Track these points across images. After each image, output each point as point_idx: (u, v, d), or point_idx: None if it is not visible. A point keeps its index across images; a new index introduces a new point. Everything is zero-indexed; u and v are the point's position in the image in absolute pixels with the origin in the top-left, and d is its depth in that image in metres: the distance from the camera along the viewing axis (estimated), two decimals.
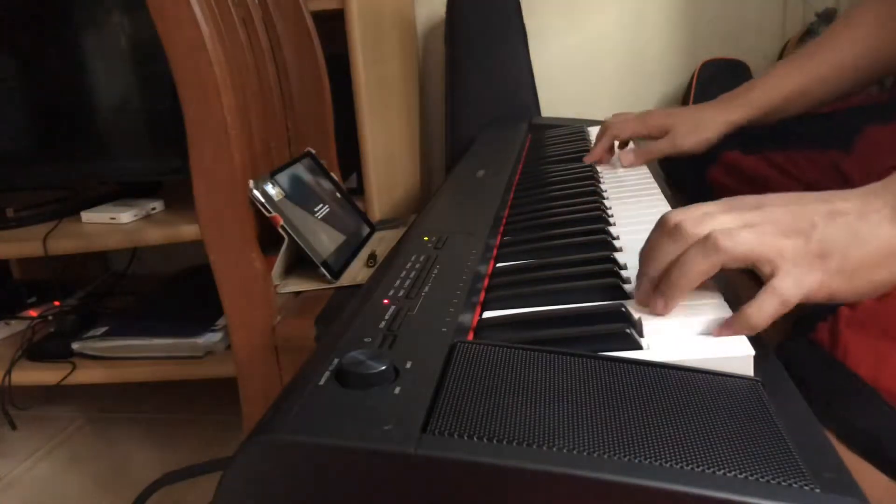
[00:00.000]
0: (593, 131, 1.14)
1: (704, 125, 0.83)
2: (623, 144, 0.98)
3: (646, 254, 0.47)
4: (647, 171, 0.88)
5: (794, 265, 0.42)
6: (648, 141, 0.90)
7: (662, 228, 0.46)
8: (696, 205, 0.46)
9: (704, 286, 0.46)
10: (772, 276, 0.42)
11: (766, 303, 0.41)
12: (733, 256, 0.42)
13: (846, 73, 0.79)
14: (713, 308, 0.46)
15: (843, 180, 0.76)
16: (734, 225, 0.43)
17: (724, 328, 0.42)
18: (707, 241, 0.43)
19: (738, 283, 0.49)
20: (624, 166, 0.90)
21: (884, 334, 0.46)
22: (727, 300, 0.47)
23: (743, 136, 0.84)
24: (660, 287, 0.45)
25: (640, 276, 0.47)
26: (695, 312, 0.45)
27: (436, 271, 0.53)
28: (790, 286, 0.41)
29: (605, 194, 0.78)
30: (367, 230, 1.04)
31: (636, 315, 0.46)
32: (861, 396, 0.45)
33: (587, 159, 0.93)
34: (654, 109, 0.92)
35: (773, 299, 0.41)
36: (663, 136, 0.86)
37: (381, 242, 1.01)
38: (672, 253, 0.45)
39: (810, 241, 0.42)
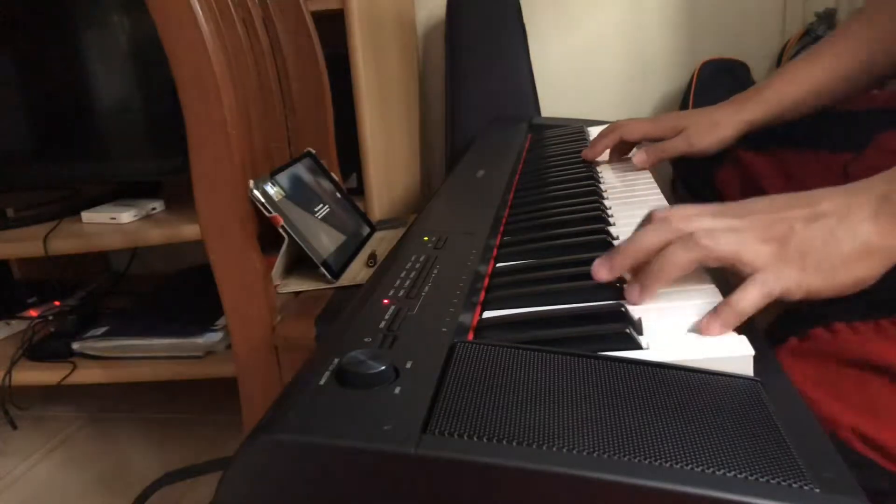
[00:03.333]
0: (593, 131, 1.14)
1: (720, 124, 0.81)
2: (629, 147, 0.95)
3: (630, 240, 0.49)
4: (648, 171, 0.88)
5: (772, 267, 0.44)
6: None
7: (650, 221, 0.49)
8: (685, 205, 0.49)
9: (701, 281, 0.47)
10: (750, 274, 0.44)
11: (750, 292, 0.43)
12: (713, 255, 0.45)
13: (863, 71, 0.77)
14: (711, 308, 0.46)
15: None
16: (718, 227, 0.46)
17: (712, 318, 0.43)
18: (690, 238, 0.45)
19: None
20: (637, 166, 0.87)
21: (824, 365, 0.46)
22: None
23: (756, 136, 0.83)
24: (638, 276, 0.47)
25: (610, 254, 0.49)
26: (696, 312, 0.45)
27: (436, 271, 0.53)
28: (769, 280, 0.44)
29: (605, 194, 0.78)
30: (367, 230, 1.04)
31: (636, 315, 0.46)
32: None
33: (586, 154, 0.91)
34: (667, 114, 0.90)
35: (755, 289, 0.43)
36: (675, 136, 0.84)
37: (381, 242, 1.01)
38: (655, 243, 0.47)
39: (787, 246, 0.44)
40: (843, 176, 0.75)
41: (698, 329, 0.43)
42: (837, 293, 0.44)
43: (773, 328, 0.52)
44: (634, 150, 0.93)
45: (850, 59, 0.77)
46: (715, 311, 0.43)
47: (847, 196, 0.45)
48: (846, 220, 0.44)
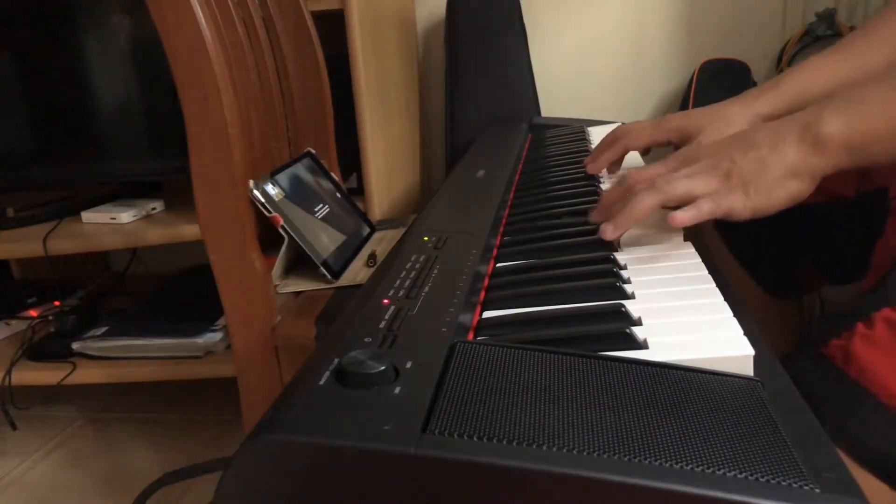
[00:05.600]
0: (593, 131, 1.14)
1: (731, 120, 0.76)
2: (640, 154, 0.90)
3: (601, 197, 0.61)
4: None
5: (720, 192, 0.53)
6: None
7: (621, 179, 0.59)
8: (650, 165, 0.60)
9: (702, 281, 0.47)
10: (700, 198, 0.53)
11: (703, 205, 0.53)
12: (672, 196, 0.54)
13: (885, 70, 0.73)
14: (711, 308, 0.46)
15: (861, 174, 0.75)
16: (675, 175, 0.55)
17: (672, 216, 0.52)
18: (652, 185, 0.55)
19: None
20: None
21: None
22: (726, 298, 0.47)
23: None
24: (611, 215, 0.57)
25: (592, 212, 0.62)
26: (696, 311, 0.45)
27: (436, 271, 0.53)
28: (717, 199, 0.53)
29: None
30: (367, 230, 1.04)
31: (636, 314, 0.46)
32: (875, 415, 0.47)
33: (590, 169, 0.83)
34: (671, 114, 0.82)
35: (706, 204, 0.53)
36: (682, 139, 0.78)
37: (381, 242, 1.01)
38: (622, 193, 0.58)
39: (731, 177, 0.53)
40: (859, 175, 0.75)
41: (669, 220, 0.53)
42: (777, 209, 0.53)
43: (817, 331, 0.55)
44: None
45: (876, 56, 0.74)
46: (682, 210, 0.53)
47: (776, 128, 0.54)
48: (774, 148, 0.53)
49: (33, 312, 1.26)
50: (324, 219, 0.93)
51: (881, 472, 0.46)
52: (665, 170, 0.58)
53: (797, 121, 0.54)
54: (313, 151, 1.02)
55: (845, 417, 0.47)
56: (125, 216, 1.11)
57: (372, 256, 0.94)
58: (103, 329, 1.13)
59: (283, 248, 0.85)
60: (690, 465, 0.30)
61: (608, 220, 0.57)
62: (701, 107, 0.80)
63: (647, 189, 0.55)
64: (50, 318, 1.22)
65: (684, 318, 0.45)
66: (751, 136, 0.55)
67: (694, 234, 0.58)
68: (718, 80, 1.42)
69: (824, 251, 0.83)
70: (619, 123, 1.20)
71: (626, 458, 0.30)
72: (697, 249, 0.56)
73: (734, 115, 0.77)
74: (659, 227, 0.62)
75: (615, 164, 0.84)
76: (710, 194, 0.53)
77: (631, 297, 0.49)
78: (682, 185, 0.54)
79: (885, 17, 0.76)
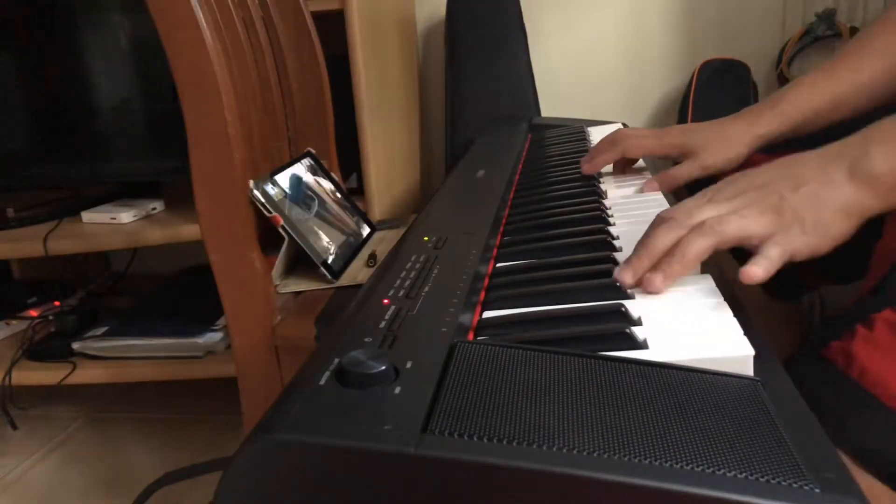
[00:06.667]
0: (593, 131, 1.14)
1: (733, 141, 0.75)
2: (631, 162, 0.89)
3: (644, 241, 0.52)
4: (648, 170, 0.88)
5: (779, 232, 0.50)
6: (672, 165, 0.80)
7: (659, 223, 0.52)
8: (682, 202, 0.54)
9: (703, 281, 0.48)
10: (759, 243, 0.49)
11: (772, 250, 0.49)
12: (726, 238, 0.50)
13: (883, 82, 0.73)
14: (711, 307, 0.46)
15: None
16: (722, 213, 0.51)
17: (748, 269, 0.48)
18: (703, 227, 0.50)
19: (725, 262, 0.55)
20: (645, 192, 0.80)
21: None
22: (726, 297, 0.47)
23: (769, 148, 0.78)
24: (660, 265, 0.50)
25: (630, 259, 0.52)
26: (696, 311, 0.45)
27: (436, 271, 0.53)
28: (781, 242, 0.49)
29: (604, 194, 0.78)
30: (367, 230, 1.04)
31: (636, 314, 0.46)
32: (877, 417, 0.47)
33: (585, 169, 0.84)
34: (671, 127, 0.81)
35: (774, 249, 0.49)
36: (681, 155, 0.78)
37: (381, 242, 1.01)
38: (670, 240, 0.51)
39: (783, 213, 0.50)
40: None
41: (743, 277, 0.48)
42: (829, 247, 0.50)
43: (818, 333, 0.54)
44: (640, 160, 0.89)
45: (871, 71, 0.73)
46: (753, 262, 0.48)
47: (821, 162, 0.52)
48: (827, 185, 0.51)
49: (33, 312, 1.26)
50: (324, 219, 0.93)
51: (884, 475, 0.46)
52: (703, 204, 0.53)
53: (842, 156, 0.52)
54: (313, 151, 1.02)
55: (847, 420, 0.47)
56: (125, 216, 1.11)
57: (372, 256, 0.94)
58: (103, 329, 1.13)
59: (283, 248, 0.85)
60: (690, 465, 0.30)
61: (657, 269, 0.51)
62: (700, 115, 0.80)
63: (698, 232, 0.50)
64: (50, 318, 1.22)
65: (684, 318, 0.45)
66: (795, 169, 0.52)
67: None
68: (718, 80, 1.43)
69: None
70: (619, 124, 1.21)
71: (626, 458, 0.30)
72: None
73: (735, 135, 0.76)
74: None
75: (615, 167, 0.86)
76: (768, 236, 0.50)
77: (631, 297, 0.49)
78: (734, 225, 0.50)
79: (878, 30, 0.75)
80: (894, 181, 0.50)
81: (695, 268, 0.50)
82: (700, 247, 0.50)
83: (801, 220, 0.50)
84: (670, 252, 0.50)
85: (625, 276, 0.51)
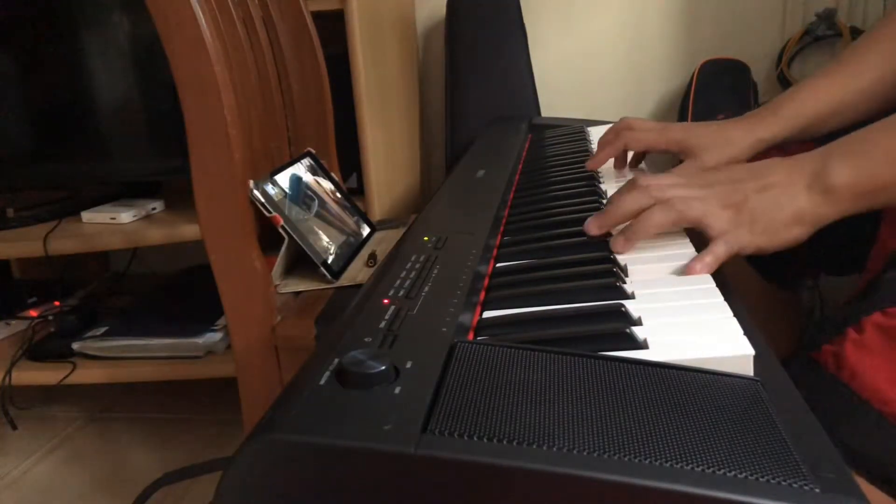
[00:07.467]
0: (593, 131, 1.14)
1: (734, 143, 0.75)
2: (638, 156, 0.89)
3: (616, 198, 0.59)
4: (647, 169, 0.88)
5: (731, 231, 0.54)
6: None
7: (634, 185, 0.58)
8: (661, 175, 0.60)
9: (702, 281, 0.48)
10: (714, 236, 0.55)
11: (719, 247, 0.54)
12: (685, 218, 0.56)
13: (885, 87, 0.72)
14: (711, 307, 0.46)
15: None
16: (689, 195, 0.56)
17: (693, 265, 0.53)
18: (668, 203, 0.56)
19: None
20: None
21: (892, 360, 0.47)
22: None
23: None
24: (625, 231, 0.58)
25: (599, 214, 0.60)
26: (696, 311, 0.45)
27: (436, 271, 0.53)
28: (730, 241, 0.54)
29: (604, 194, 0.77)
30: (367, 230, 1.04)
31: (636, 314, 0.46)
32: (868, 421, 0.47)
33: (590, 165, 0.86)
34: (674, 123, 0.81)
35: (721, 247, 0.54)
36: (681, 152, 0.78)
37: (381, 242, 1.01)
38: (638, 204, 0.58)
39: (742, 211, 0.55)
40: None
41: (685, 272, 0.53)
42: (776, 249, 0.55)
43: (810, 336, 0.55)
44: (642, 164, 0.89)
45: (871, 75, 0.73)
46: (697, 259, 0.53)
47: (789, 170, 0.56)
48: (787, 191, 0.54)
49: (33, 312, 1.25)
50: (324, 219, 0.93)
51: (876, 478, 0.46)
52: (677, 183, 0.58)
53: (805, 166, 0.55)
54: (313, 151, 1.02)
55: (838, 423, 0.47)
56: (125, 216, 1.11)
57: (372, 256, 0.94)
58: (103, 329, 1.13)
59: (283, 248, 0.85)
60: (690, 465, 0.30)
61: (621, 233, 0.58)
62: (700, 115, 0.81)
63: (662, 207, 0.56)
64: (50, 318, 1.22)
65: (684, 318, 0.45)
66: (767, 171, 0.56)
67: (695, 231, 0.58)
68: (718, 80, 1.42)
69: (821, 242, 0.83)
70: None
71: (626, 458, 0.30)
72: (696, 245, 0.56)
73: (736, 138, 0.76)
74: None
75: (618, 162, 0.88)
76: (721, 233, 0.54)
77: (631, 297, 0.49)
78: (696, 209, 0.55)
79: (878, 35, 0.75)
80: (849, 193, 0.53)
81: (652, 237, 0.57)
82: (660, 220, 0.56)
83: (754, 222, 0.54)
84: (636, 219, 0.57)
85: (591, 228, 0.60)
